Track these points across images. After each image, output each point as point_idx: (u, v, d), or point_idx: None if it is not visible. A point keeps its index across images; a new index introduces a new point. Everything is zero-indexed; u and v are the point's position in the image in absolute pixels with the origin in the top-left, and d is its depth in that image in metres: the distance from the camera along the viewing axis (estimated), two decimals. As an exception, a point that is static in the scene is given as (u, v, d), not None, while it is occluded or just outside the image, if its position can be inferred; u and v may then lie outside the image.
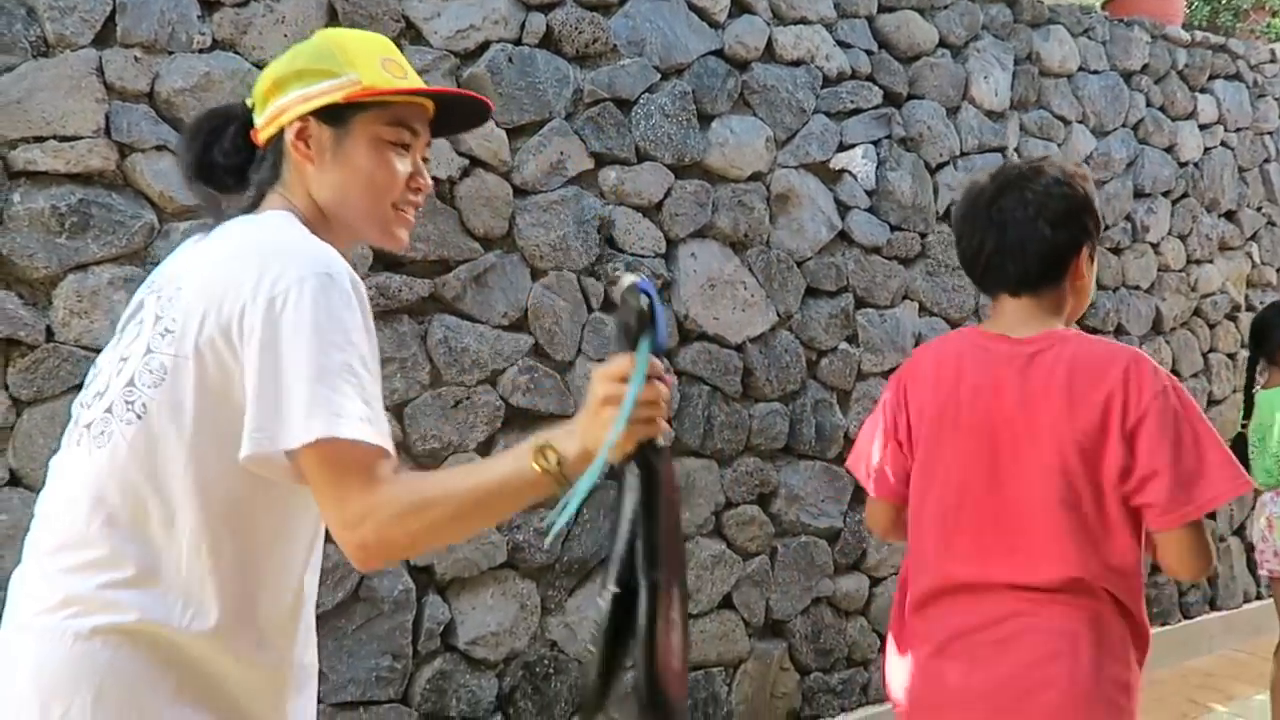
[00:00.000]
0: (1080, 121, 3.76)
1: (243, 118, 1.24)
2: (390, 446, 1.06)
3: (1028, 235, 1.47)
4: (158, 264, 2.08)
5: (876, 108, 3.20)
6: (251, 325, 1.04)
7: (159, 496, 1.09)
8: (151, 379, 1.10)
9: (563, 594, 2.61)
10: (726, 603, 2.88)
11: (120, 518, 1.09)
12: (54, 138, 1.99)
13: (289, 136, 1.18)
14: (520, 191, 2.54)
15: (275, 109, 1.19)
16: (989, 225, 1.51)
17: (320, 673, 2.31)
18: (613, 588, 0.98)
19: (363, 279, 2.29)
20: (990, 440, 1.47)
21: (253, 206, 1.20)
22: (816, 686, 3.04)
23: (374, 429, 1.04)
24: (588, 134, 2.64)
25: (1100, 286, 3.82)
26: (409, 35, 2.41)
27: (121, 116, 2.06)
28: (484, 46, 2.50)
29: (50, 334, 2.01)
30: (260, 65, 2.21)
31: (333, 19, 2.30)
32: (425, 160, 1.25)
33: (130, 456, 1.09)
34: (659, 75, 2.76)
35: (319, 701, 2.29)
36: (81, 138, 2.02)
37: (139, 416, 1.09)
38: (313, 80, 1.17)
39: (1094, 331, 3.79)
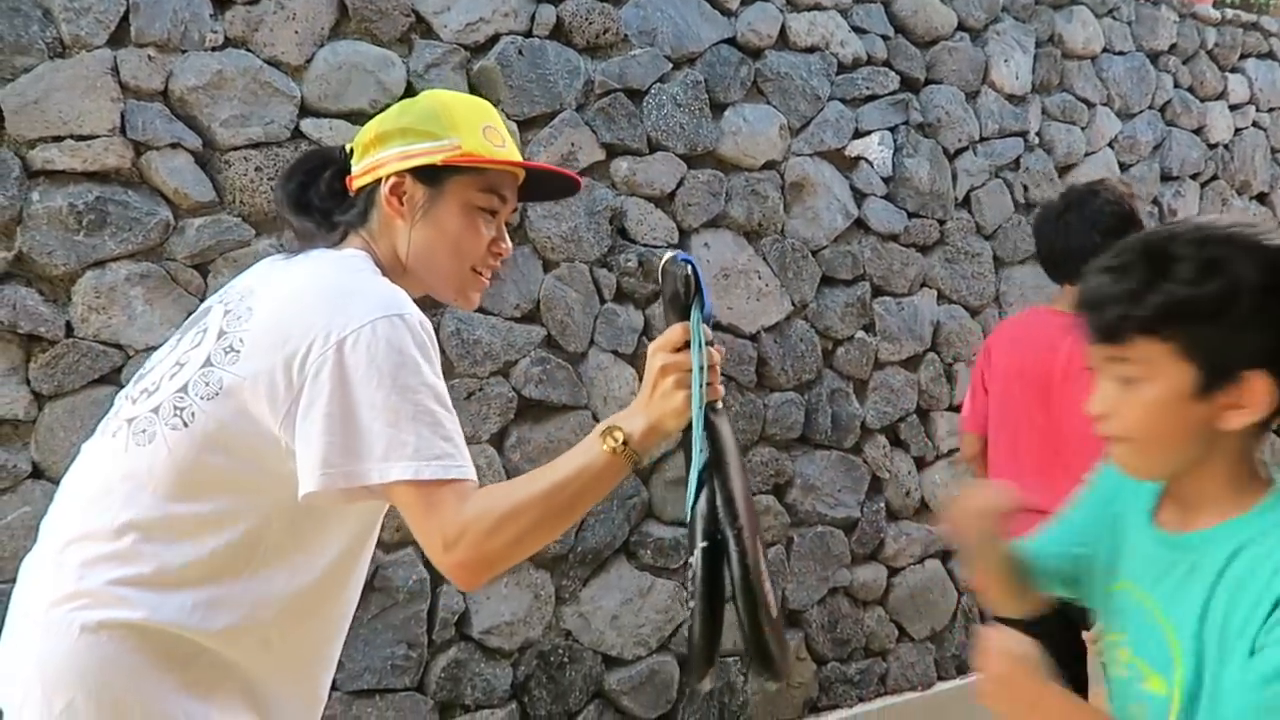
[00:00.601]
0: (1105, 104, 3.70)
1: (340, 162, 1.29)
2: (473, 475, 1.09)
3: (1084, 243, 1.98)
4: (175, 260, 2.14)
5: (893, 93, 3.17)
6: (318, 364, 1.07)
7: (189, 504, 1.12)
8: (206, 391, 1.13)
9: (577, 584, 2.63)
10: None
11: (146, 518, 1.12)
12: (71, 137, 2.03)
13: (383, 189, 1.22)
14: (531, 183, 2.55)
15: (374, 160, 1.24)
16: (1055, 233, 2.11)
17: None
18: (702, 543, 1.02)
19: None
20: (1045, 388, 2.03)
21: (336, 244, 1.24)
22: (833, 676, 3.04)
23: (452, 463, 1.08)
24: (599, 125, 2.64)
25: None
26: (419, 29, 2.43)
27: (136, 115, 2.10)
28: (494, 39, 2.50)
29: (70, 330, 2.05)
30: (272, 62, 2.24)
31: (343, 16, 2.32)
32: (509, 224, 1.31)
33: (169, 461, 1.12)
34: (670, 65, 2.75)
35: (335, 689, 2.34)
36: (98, 136, 2.06)
37: (185, 424, 1.12)
38: (415, 140, 1.22)
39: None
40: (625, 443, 1.06)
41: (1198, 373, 0.90)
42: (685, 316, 1.05)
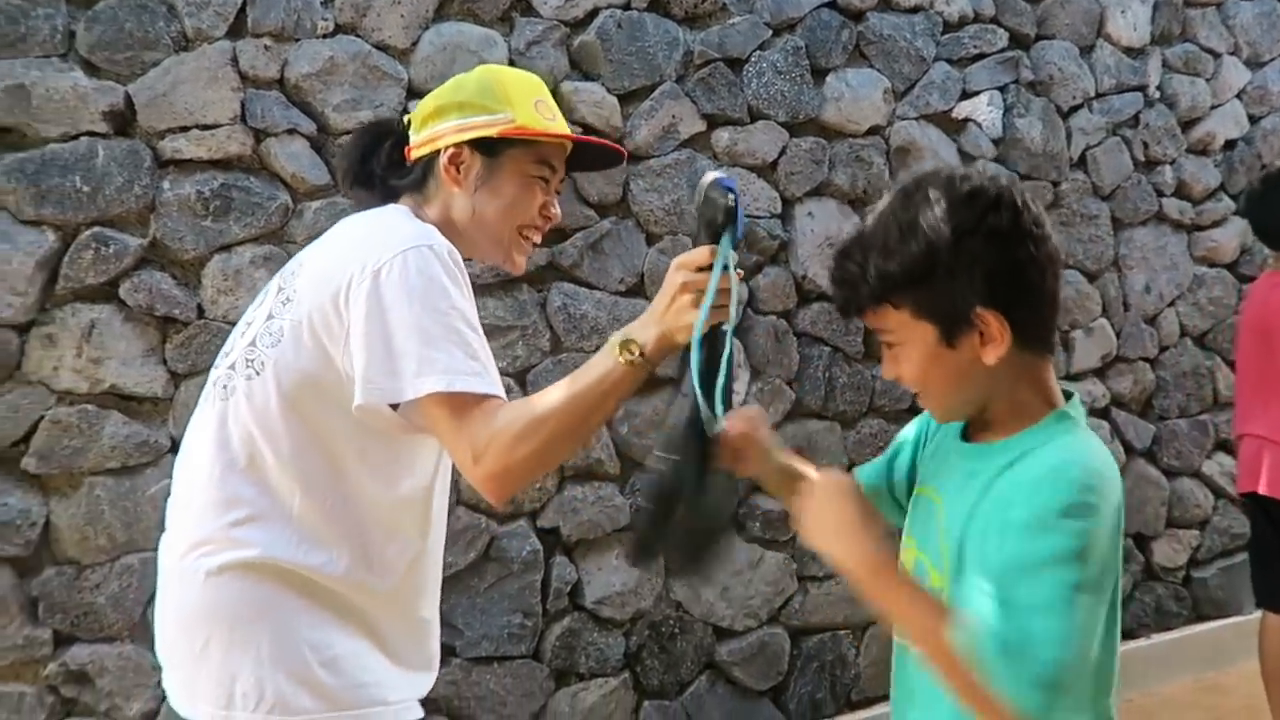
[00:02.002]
0: (1231, 53, 3.49)
1: (398, 133, 1.37)
2: (501, 392, 1.15)
3: None
4: (295, 243, 2.22)
5: (1002, 51, 3.05)
6: (359, 293, 1.15)
7: (271, 444, 1.20)
8: (270, 339, 1.22)
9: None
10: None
11: (239, 463, 1.20)
12: (196, 127, 2.13)
13: (442, 159, 1.30)
14: (633, 157, 2.55)
15: (433, 132, 1.31)
16: (1262, 212, 2.61)
17: (455, 628, 2.43)
18: (673, 456, 1.11)
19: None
20: (1266, 334, 2.55)
21: (381, 204, 1.33)
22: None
23: (481, 380, 1.14)
24: (699, 96, 2.62)
25: (1257, 231, 3.55)
26: (519, 7, 2.45)
27: (255, 103, 2.18)
28: (593, 14, 2.51)
29: (200, 311, 2.15)
30: (381, 48, 2.30)
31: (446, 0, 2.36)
32: (558, 193, 1.37)
33: (248, 408, 1.20)
34: (770, 32, 2.71)
35: (454, 655, 2.41)
36: (220, 125, 2.15)
37: (257, 373, 1.21)
38: (472, 113, 1.29)
39: (1252, 278, 3.54)
40: (640, 354, 1.11)
41: (936, 327, 1.01)
42: (716, 240, 1.10)
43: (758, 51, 2.69)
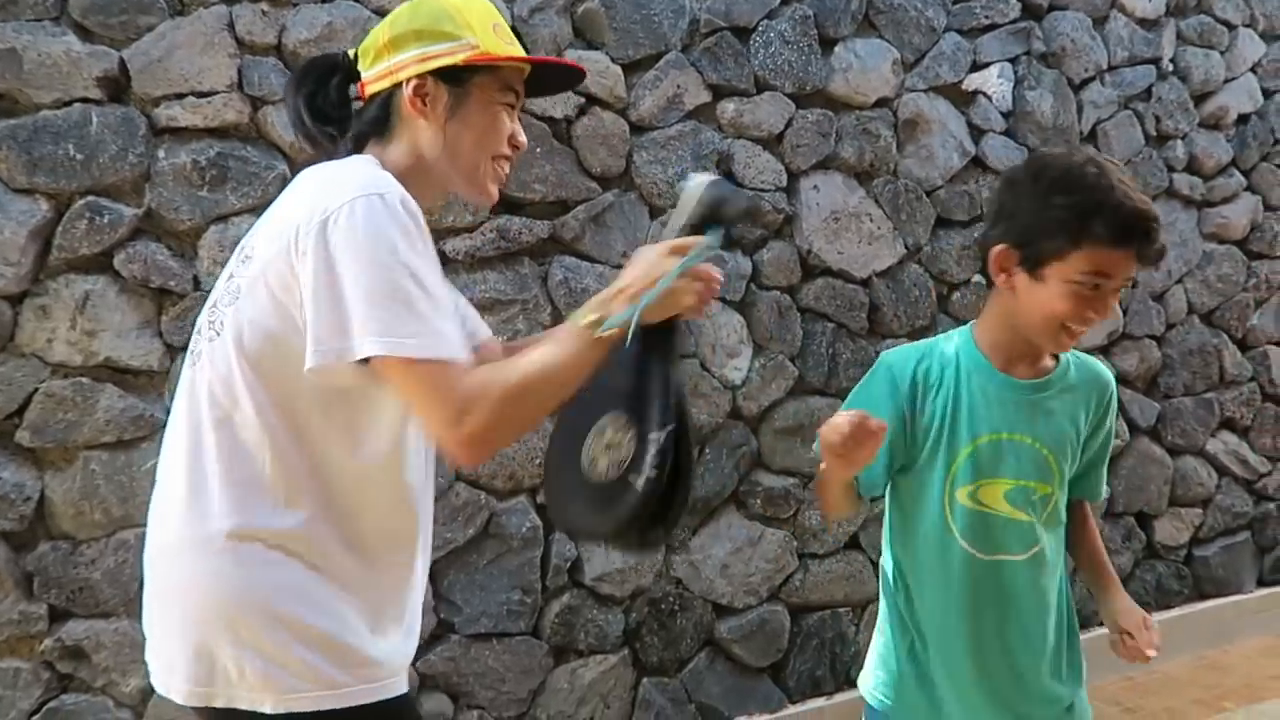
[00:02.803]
0: (1247, 25, 3.42)
1: (346, 69, 1.30)
2: (458, 353, 1.10)
3: None
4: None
5: (1014, 22, 2.99)
6: (305, 244, 1.10)
7: (235, 406, 1.15)
8: (229, 299, 1.18)
9: (686, 533, 2.62)
10: (853, 543, 2.83)
11: (207, 429, 1.16)
12: (192, 94, 2.08)
13: (406, 92, 1.23)
14: (637, 128, 2.51)
15: (390, 65, 1.24)
16: None
17: (454, 605, 2.41)
18: (671, 425, 1.15)
19: (483, 223, 2.34)
20: None
21: (348, 155, 1.25)
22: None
23: (425, 342, 1.08)
24: (704, 66, 2.57)
25: (1269, 208, 3.51)
26: (523, -27, 2.39)
27: (252, 70, 2.13)
28: (597, -20, 2.45)
29: (197, 283, 2.11)
30: (380, 13, 2.24)
31: (447, -39, 2.30)
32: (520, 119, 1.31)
33: (211, 371, 1.16)
34: (778, 0, 2.65)
35: (453, 632, 2.39)
36: (217, 93, 2.10)
37: (218, 334, 1.17)
38: (432, 41, 1.22)
39: (1261, 255, 3.51)
40: (598, 322, 1.12)
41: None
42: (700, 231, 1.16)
43: (765, 20, 2.64)
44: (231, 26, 2.11)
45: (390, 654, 1.22)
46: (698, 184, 1.18)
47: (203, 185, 2.09)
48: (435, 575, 2.34)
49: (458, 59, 1.21)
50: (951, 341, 1.46)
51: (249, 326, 1.14)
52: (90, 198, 2.02)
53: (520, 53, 1.28)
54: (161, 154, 2.07)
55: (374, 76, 1.25)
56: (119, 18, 2.02)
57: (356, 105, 1.31)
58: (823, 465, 1.35)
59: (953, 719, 1.44)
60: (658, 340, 1.16)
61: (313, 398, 1.15)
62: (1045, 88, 3.05)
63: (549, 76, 1.36)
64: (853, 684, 2.82)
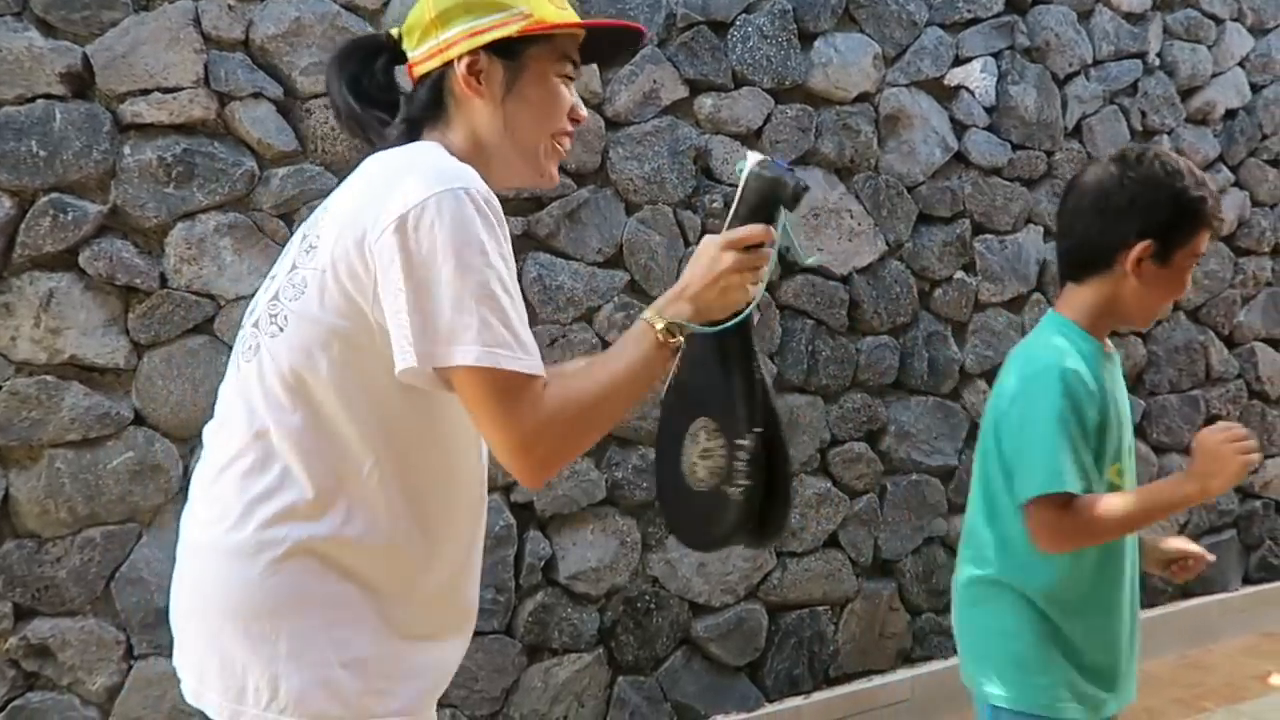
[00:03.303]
0: (1235, 19, 3.40)
1: (391, 49, 1.21)
2: (539, 367, 1.05)
3: None
4: (261, 210, 2.16)
5: (997, 16, 2.97)
6: (385, 242, 1.02)
7: (298, 406, 1.08)
8: (293, 292, 1.10)
9: (663, 531, 2.60)
10: (832, 541, 2.82)
11: (265, 429, 1.09)
12: (157, 89, 2.06)
13: (459, 70, 1.14)
14: (612, 124, 2.49)
15: (440, 42, 1.15)
16: None
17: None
18: (759, 429, 1.12)
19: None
20: None
21: (405, 141, 1.18)
22: (929, 628, 2.96)
23: (515, 355, 1.02)
24: (681, 61, 2.55)
25: (1256, 204, 3.49)
26: (495, -33, 2.36)
27: (219, 66, 2.11)
28: (572, -26, 2.42)
29: (164, 280, 2.10)
30: (349, 8, 2.22)
31: (418, -45, 2.28)
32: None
33: (273, 368, 1.09)
34: (757, -6, 2.63)
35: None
36: (183, 89, 2.08)
37: (281, 329, 1.10)
38: (482, 13, 1.14)
39: (1249, 251, 3.48)
40: (681, 334, 1.10)
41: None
42: (764, 220, 1.11)
43: (743, 15, 2.61)
44: (197, 21, 2.09)
45: (428, 665, 1.16)
46: (749, 166, 1.13)
47: (169, 182, 2.08)
48: (407, 574, 2.33)
49: (511, 30, 1.12)
50: (1063, 336, 1.49)
51: (316, 323, 1.07)
52: (54, 195, 2.00)
53: (575, 17, 1.18)
54: (127, 150, 2.05)
55: (422, 56, 1.17)
56: (81, 13, 2.00)
57: (406, 89, 1.23)
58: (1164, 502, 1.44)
59: (1109, 704, 1.49)
60: (734, 339, 1.13)
61: (382, 398, 1.09)
62: (1029, 82, 3.02)
63: (604, 43, 1.24)
64: (831, 682, 2.83)
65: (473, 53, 1.13)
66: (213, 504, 1.12)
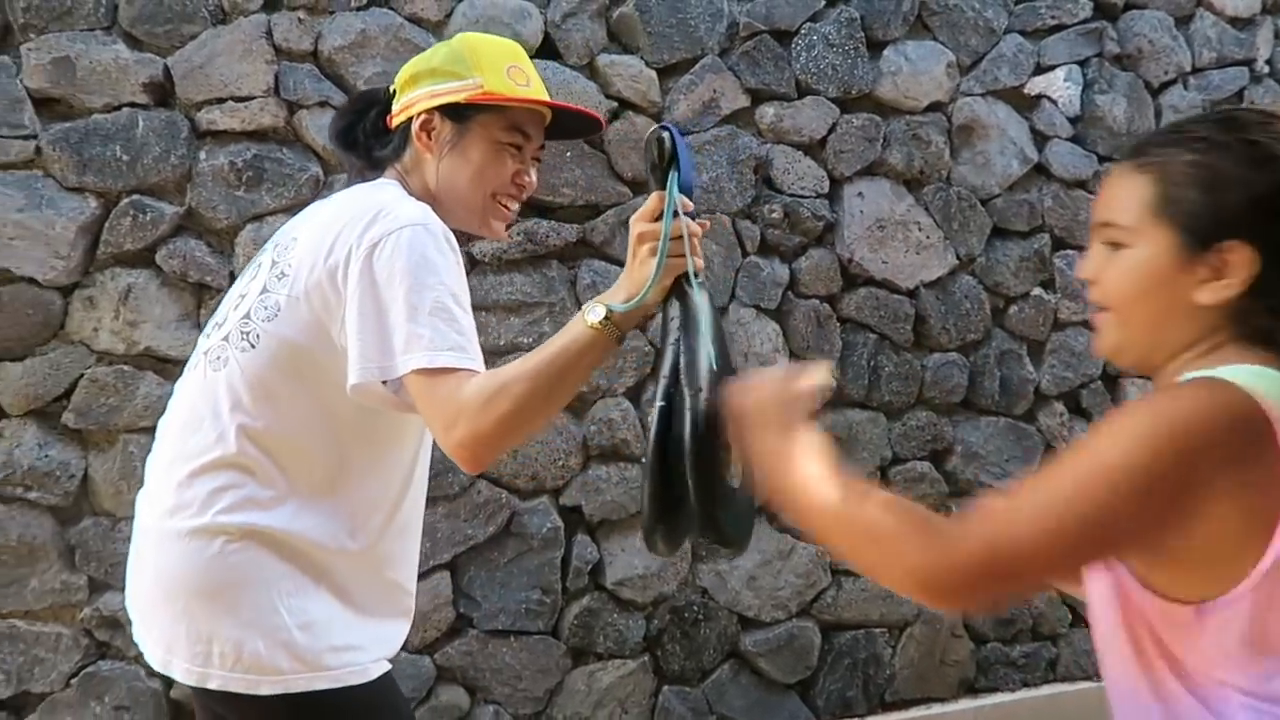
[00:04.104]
0: (1359, 24, 3.15)
1: (384, 102, 1.38)
2: (480, 367, 1.16)
3: None
4: (326, 214, 2.25)
5: (1084, 22, 2.84)
6: (354, 270, 1.17)
7: (265, 414, 1.22)
8: (266, 314, 1.23)
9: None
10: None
11: (229, 431, 1.22)
12: (231, 99, 2.18)
13: (414, 126, 1.31)
14: (670, 133, 2.49)
15: (408, 100, 1.32)
16: None
17: (473, 600, 2.45)
18: (660, 402, 1.04)
19: (512, 225, 2.37)
20: None
21: (367, 177, 1.35)
22: (994, 657, 2.84)
23: (462, 355, 1.15)
24: (742, 70, 2.54)
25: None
26: (557, -21, 2.42)
27: (289, 76, 2.22)
28: (633, -15, 2.45)
29: (233, 278, 2.20)
30: (414, 20, 2.30)
31: (482, -32, 2.35)
32: (537, 160, 1.36)
33: (242, 379, 1.22)
34: (823, 2, 2.59)
35: (472, 627, 2.43)
36: (254, 98, 2.20)
37: (252, 345, 1.23)
38: (443, 79, 1.30)
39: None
40: (607, 316, 1.11)
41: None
42: (663, 184, 1.10)
43: (808, 23, 2.58)
44: (269, 34, 2.20)
45: (380, 637, 1.30)
46: (646, 139, 1.15)
47: (240, 186, 2.19)
48: (455, 570, 2.38)
49: (460, 97, 1.28)
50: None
51: (287, 343, 1.21)
52: (135, 196, 2.14)
53: (533, 95, 1.31)
54: (202, 155, 2.18)
55: (397, 109, 1.34)
56: (164, 26, 2.14)
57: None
58: None
59: None
60: (668, 312, 1.11)
61: (342, 411, 1.22)
62: (1118, 91, 2.88)
63: (569, 120, 1.40)
64: (887, 707, 2.74)
65: (428, 112, 1.30)
66: (178, 494, 1.24)
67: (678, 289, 1.11)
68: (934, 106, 2.71)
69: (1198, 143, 0.90)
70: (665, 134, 1.11)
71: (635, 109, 2.47)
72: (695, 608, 2.57)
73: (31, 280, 2.09)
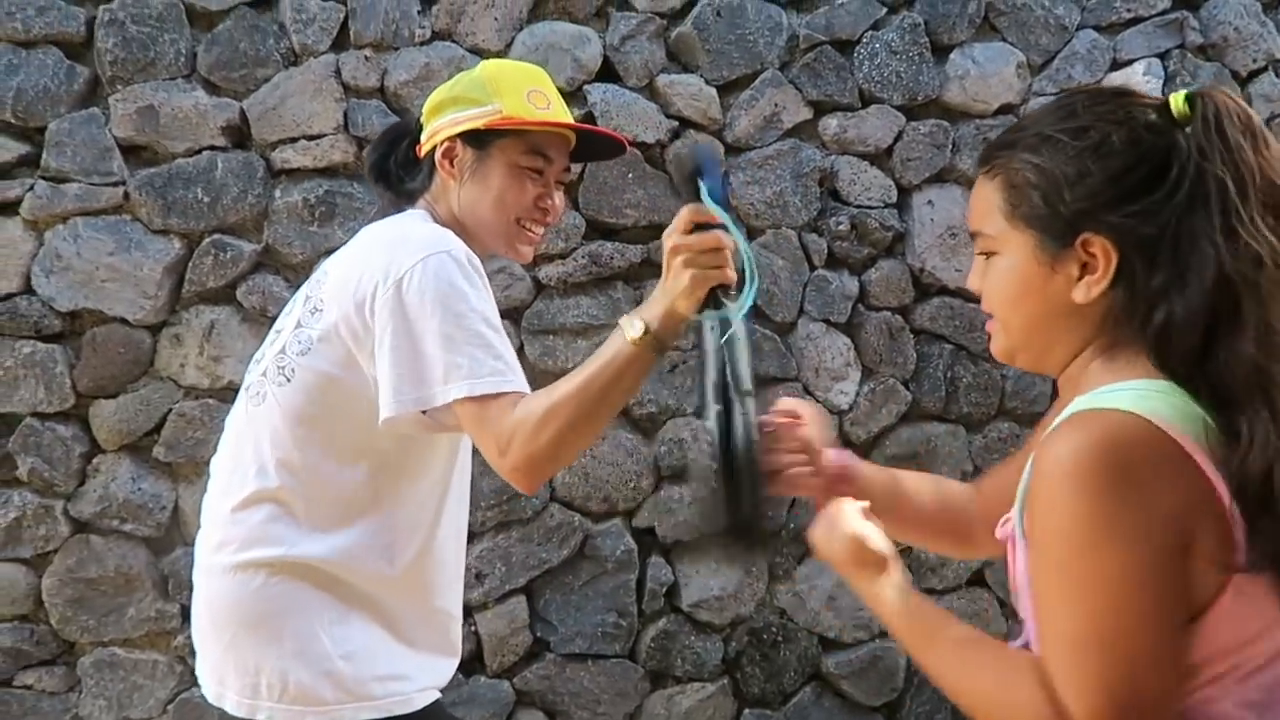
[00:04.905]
0: None
1: (414, 133, 1.41)
2: (523, 386, 1.18)
3: None
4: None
5: (1163, 14, 2.73)
6: (383, 302, 1.19)
7: (301, 447, 1.26)
8: (300, 348, 1.27)
9: (791, 561, 2.54)
10: (977, 579, 2.65)
11: (269, 464, 1.26)
12: (303, 137, 2.26)
13: (438, 154, 1.34)
14: (733, 149, 2.48)
15: (432, 129, 1.35)
16: None
17: (549, 624, 2.45)
18: (717, 406, 1.05)
19: (575, 249, 2.39)
20: None
21: (400, 209, 1.37)
22: (1091, 678, 2.72)
23: (503, 379, 1.17)
24: (804, 82, 2.51)
25: None
26: (614, 2, 2.43)
27: (357, 113, 2.28)
28: (690, 3, 2.45)
29: (309, 312, 2.28)
30: (475, 51, 2.35)
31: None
32: (561, 184, 1.37)
33: (279, 413, 1.26)
34: (884, 9, 2.55)
35: (549, 650, 2.43)
36: (325, 135, 2.27)
37: (288, 379, 1.27)
38: (464, 106, 1.32)
39: None
40: (645, 331, 1.11)
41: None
42: (696, 199, 1.09)
43: (870, 32, 2.54)
44: (338, 73, 2.27)
45: (426, 668, 1.32)
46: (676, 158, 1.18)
47: (313, 221, 2.26)
48: (531, 594, 2.39)
49: (479, 123, 1.30)
50: None
51: (321, 376, 1.25)
52: (216, 235, 2.23)
53: (554, 119, 1.33)
54: (277, 193, 2.25)
55: (424, 139, 1.37)
56: (240, 71, 2.23)
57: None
58: None
59: None
60: (711, 328, 1.10)
61: (375, 441, 1.25)
62: (1204, 82, 2.75)
63: (596, 142, 1.42)
64: (978, 731, 2.64)
65: (450, 139, 1.32)
66: (224, 530, 1.29)
67: (711, 297, 1.09)
68: (1005, 109, 2.64)
69: (1031, 140, 0.88)
70: (692, 150, 1.14)
71: (697, 127, 2.46)
72: (774, 629, 2.53)
73: (123, 320, 2.19)
